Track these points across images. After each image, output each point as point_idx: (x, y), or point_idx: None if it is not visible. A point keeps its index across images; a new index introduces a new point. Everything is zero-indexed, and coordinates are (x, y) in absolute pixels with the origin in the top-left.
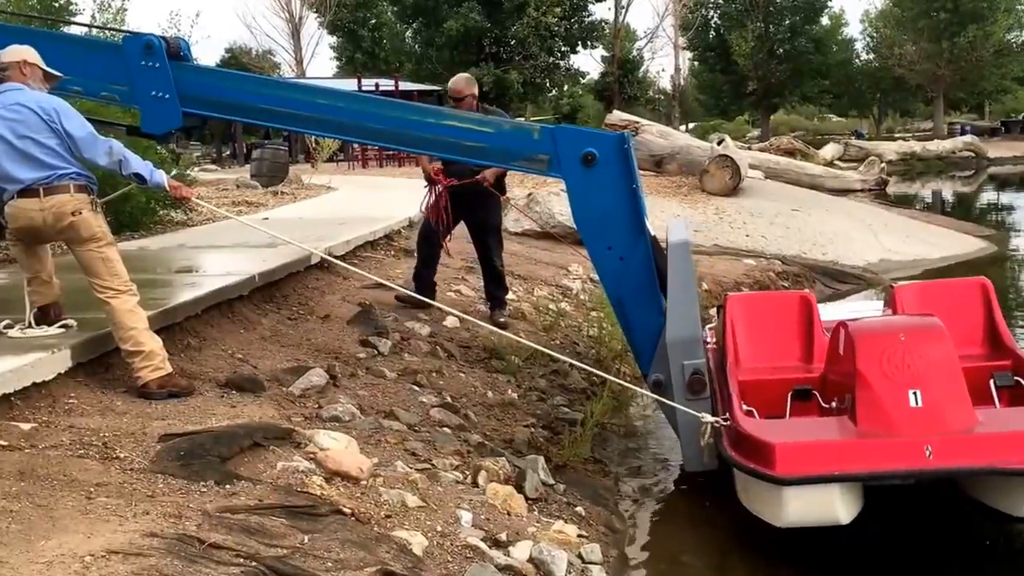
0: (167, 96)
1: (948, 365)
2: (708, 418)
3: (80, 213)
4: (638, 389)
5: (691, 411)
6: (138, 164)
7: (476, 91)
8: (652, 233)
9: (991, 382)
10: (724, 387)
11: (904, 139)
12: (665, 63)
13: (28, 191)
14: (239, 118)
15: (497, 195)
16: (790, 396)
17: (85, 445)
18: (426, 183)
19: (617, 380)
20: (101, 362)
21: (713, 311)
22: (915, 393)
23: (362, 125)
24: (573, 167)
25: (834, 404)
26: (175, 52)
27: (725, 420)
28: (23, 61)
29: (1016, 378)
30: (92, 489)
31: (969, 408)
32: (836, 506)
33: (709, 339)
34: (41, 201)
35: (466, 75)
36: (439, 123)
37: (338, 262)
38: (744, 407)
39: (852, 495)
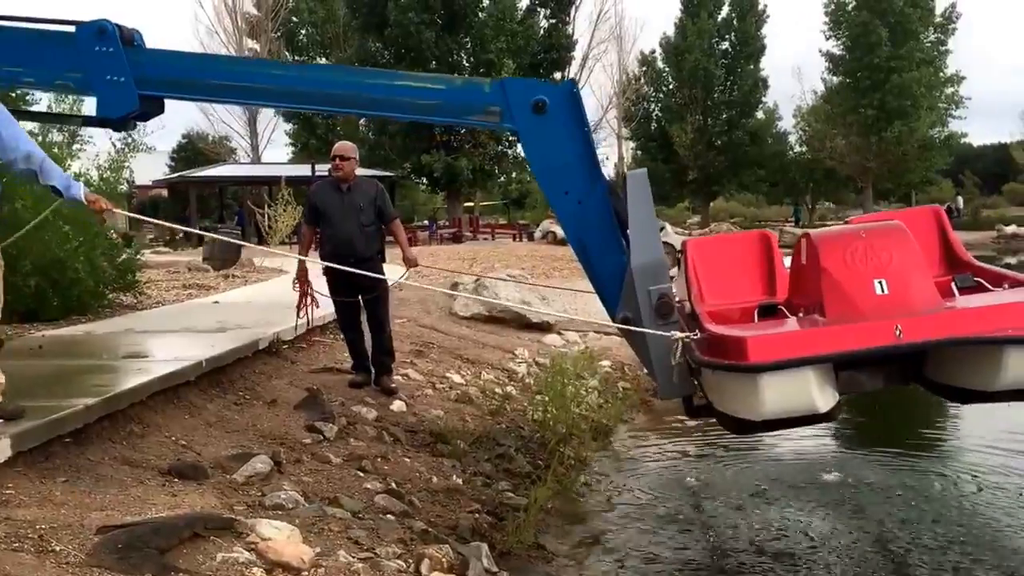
0: (122, 79)
1: (910, 255)
2: (678, 334)
3: None
4: None
5: (661, 332)
6: (57, 176)
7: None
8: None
9: (952, 284)
10: (691, 318)
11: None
12: (609, 152)
13: None
14: (197, 96)
15: (381, 267)
16: (756, 312)
17: (20, 538)
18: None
19: None
20: (42, 451)
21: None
22: (880, 282)
23: (319, 92)
24: (525, 116)
25: (801, 315)
26: (128, 39)
27: (695, 334)
28: None
29: (976, 279)
30: None
31: (934, 291)
32: (812, 392)
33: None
34: None
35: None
36: (392, 84)
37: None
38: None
39: (827, 383)
